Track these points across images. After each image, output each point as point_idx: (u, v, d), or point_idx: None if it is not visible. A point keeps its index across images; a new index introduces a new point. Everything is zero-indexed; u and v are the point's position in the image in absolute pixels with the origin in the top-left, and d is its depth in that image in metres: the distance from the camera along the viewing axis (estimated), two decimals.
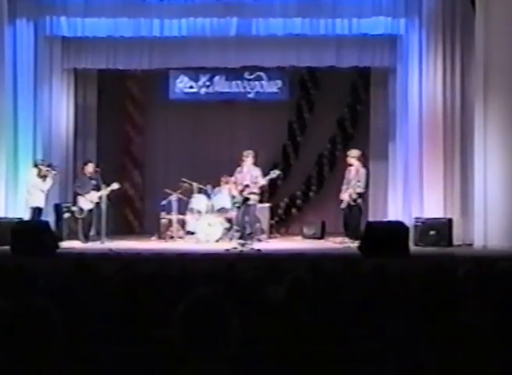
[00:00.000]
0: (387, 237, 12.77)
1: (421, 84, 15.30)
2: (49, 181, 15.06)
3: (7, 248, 13.35)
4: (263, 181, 14.87)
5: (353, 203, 14.95)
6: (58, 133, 16.59)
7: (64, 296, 4.81)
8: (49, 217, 15.18)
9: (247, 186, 14.58)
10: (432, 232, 14.59)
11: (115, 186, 15.55)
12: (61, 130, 16.76)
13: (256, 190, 14.73)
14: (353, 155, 15.28)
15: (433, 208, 14.99)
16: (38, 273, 6.50)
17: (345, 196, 15.03)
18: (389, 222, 15.02)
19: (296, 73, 18.46)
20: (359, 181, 14.99)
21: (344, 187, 15.13)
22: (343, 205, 15.09)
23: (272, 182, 16.13)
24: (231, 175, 15.40)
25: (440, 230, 14.62)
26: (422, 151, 15.19)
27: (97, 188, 15.32)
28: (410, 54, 15.43)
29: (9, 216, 15.06)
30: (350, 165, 15.23)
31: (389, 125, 16.65)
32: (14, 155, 15.51)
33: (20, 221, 14.43)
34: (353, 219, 14.97)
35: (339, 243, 15.36)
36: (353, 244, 14.17)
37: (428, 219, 14.79)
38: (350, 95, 18.73)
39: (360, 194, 15.03)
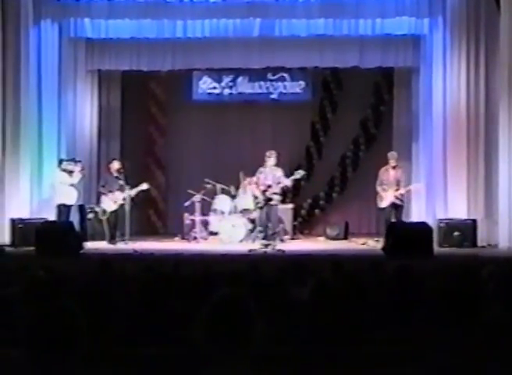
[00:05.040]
0: (411, 238, 12.71)
1: (445, 84, 15.23)
2: (77, 175, 15.12)
3: (32, 249, 13.44)
4: (287, 182, 14.85)
5: (399, 202, 14.87)
6: (82, 134, 16.69)
7: (88, 297, 4.83)
8: (73, 218, 15.25)
9: (269, 186, 14.58)
10: (456, 233, 14.51)
11: (144, 186, 15.60)
12: (85, 131, 16.86)
13: (278, 190, 14.72)
14: (395, 156, 15.14)
15: (457, 208, 14.91)
16: (62, 274, 6.53)
17: (388, 196, 14.81)
18: (413, 223, 14.97)
19: (320, 73, 18.45)
20: (401, 181, 14.93)
21: (384, 187, 14.87)
22: (385, 204, 14.90)
23: (296, 183, 16.10)
24: (253, 175, 15.41)
25: (464, 230, 14.55)
26: (446, 151, 15.13)
27: (123, 189, 15.38)
28: (434, 54, 15.37)
29: (34, 217, 15.14)
30: (394, 167, 15.03)
31: (412, 125, 16.61)
32: (38, 157, 15.60)
33: (45, 222, 14.49)
34: (398, 217, 14.82)
35: (362, 244, 15.35)
36: (377, 245, 14.18)
37: (452, 219, 14.73)
38: (373, 96, 18.69)
39: (401, 193, 14.96)
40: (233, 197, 16.48)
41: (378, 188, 15.00)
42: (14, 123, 15.37)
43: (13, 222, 14.89)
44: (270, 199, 14.60)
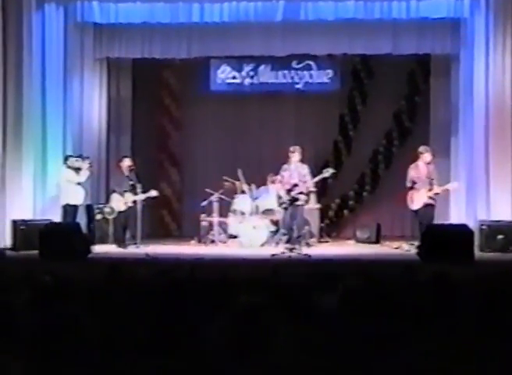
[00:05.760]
0: (449, 242, 12.69)
1: (488, 73, 15.14)
2: (85, 173, 15.20)
3: (35, 252, 13.51)
4: (314, 181, 14.83)
5: (432, 202, 14.72)
6: (89, 128, 16.74)
7: (96, 305, 4.87)
8: (80, 219, 15.32)
9: (295, 185, 14.57)
10: (499, 236, 14.46)
11: (152, 194, 15.68)
12: (93, 124, 16.92)
13: (304, 190, 14.72)
14: (428, 151, 14.93)
15: (501, 209, 14.84)
16: (68, 280, 6.58)
17: (420, 196, 14.67)
18: (452, 225, 14.91)
19: (349, 61, 18.43)
20: (433, 178, 14.76)
21: (416, 186, 14.72)
22: (417, 206, 14.74)
23: (323, 181, 16.09)
24: (277, 173, 15.41)
25: (509, 234, 14.48)
26: (488, 146, 15.05)
27: (134, 189, 15.43)
28: (476, 39, 15.28)
29: (37, 218, 15.22)
30: (427, 163, 14.85)
31: (451, 118, 16.53)
32: (42, 153, 15.65)
33: (49, 223, 14.57)
34: (428, 219, 14.66)
35: (396, 248, 15.32)
36: (412, 249, 14.16)
37: (494, 221, 14.67)
38: (407, 85, 18.64)
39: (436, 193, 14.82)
40: (254, 196, 16.50)
41: (409, 184, 14.82)
42: (16, 116, 15.44)
43: (15, 223, 14.96)
44: (296, 199, 14.59)
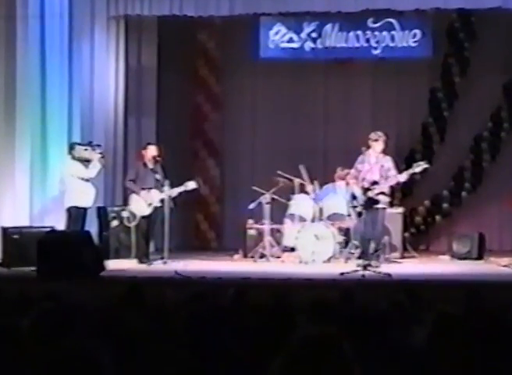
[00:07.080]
0: None
1: None
2: (95, 165, 15.27)
3: (32, 269, 13.60)
4: (402, 178, 14.73)
5: None
6: (102, 107, 16.84)
7: (111, 336, 4.92)
8: (90, 226, 15.41)
9: (374, 183, 14.49)
10: None
11: (189, 186, 15.66)
12: (106, 102, 17.01)
13: (386, 189, 14.64)
14: None
15: None
16: (75, 305, 6.65)
17: None
18: None
19: (443, 18, 18.33)
20: None
21: None
22: None
23: (410, 178, 16.01)
24: (347, 166, 15.37)
25: None
26: None
27: (160, 185, 15.45)
28: None
29: (35, 224, 15.34)
30: None
31: None
32: (42, 139, 15.76)
33: (50, 231, 14.66)
34: None
35: (505, 265, 15.25)
36: None
37: None
38: None
39: None
40: (317, 197, 16.50)
41: None
42: (7, 91, 15.56)
43: (5, 231, 15.06)
44: (375, 201, 14.49)
